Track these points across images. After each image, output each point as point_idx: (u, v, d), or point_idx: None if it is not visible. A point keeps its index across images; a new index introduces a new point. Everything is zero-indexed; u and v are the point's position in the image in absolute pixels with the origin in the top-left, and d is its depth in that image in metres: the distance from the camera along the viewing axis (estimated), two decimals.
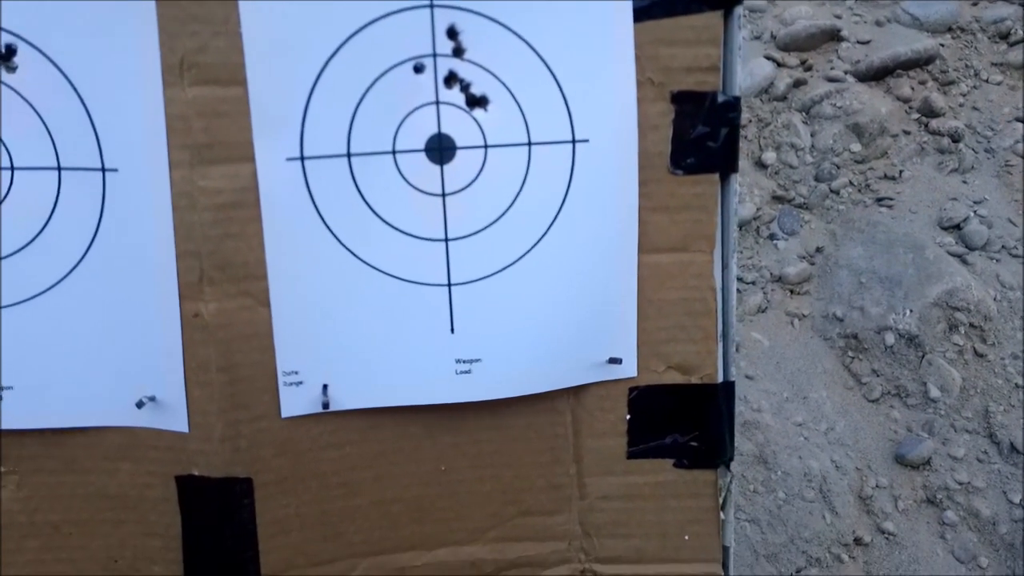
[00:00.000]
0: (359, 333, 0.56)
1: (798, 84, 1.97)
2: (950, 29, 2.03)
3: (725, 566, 0.63)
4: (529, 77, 0.54)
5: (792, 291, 1.78)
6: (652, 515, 0.62)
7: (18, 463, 0.58)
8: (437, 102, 0.54)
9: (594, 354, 0.58)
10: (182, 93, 0.52)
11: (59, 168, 0.53)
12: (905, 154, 1.90)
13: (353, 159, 0.54)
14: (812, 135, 1.92)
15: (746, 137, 1.92)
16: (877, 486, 1.52)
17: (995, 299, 1.67)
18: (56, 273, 0.55)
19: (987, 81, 1.98)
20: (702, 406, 0.60)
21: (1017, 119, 1.92)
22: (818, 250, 1.81)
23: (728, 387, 0.60)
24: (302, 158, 0.53)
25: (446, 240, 0.55)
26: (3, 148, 0.53)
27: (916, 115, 1.94)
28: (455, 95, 0.53)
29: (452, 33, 0.52)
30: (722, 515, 0.62)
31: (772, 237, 1.84)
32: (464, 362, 0.57)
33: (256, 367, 0.56)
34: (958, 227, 1.78)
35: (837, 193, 1.87)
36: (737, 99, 0.55)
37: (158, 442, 0.57)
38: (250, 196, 0.53)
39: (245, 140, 0.53)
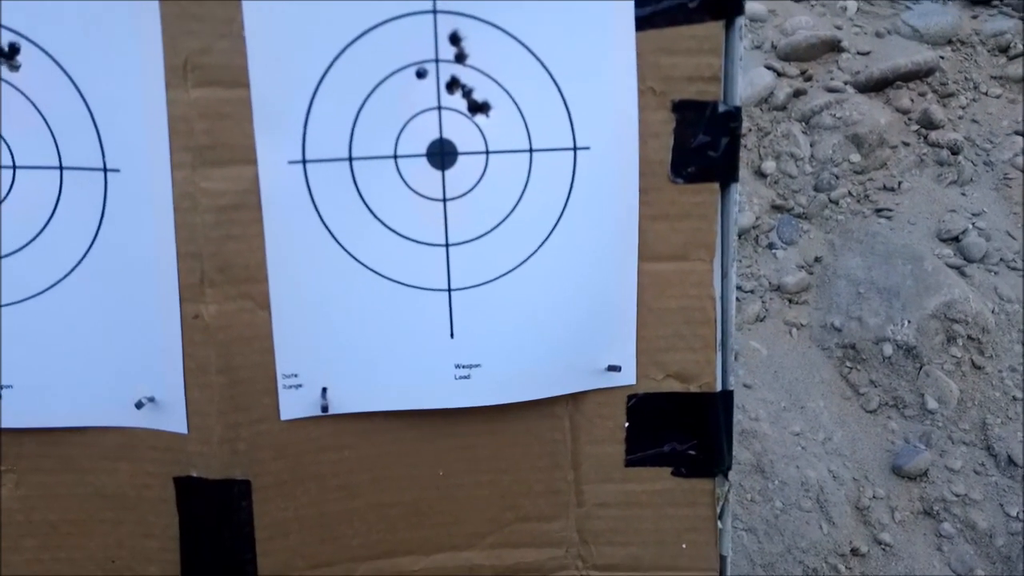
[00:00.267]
0: (359, 337, 0.56)
1: (798, 94, 1.97)
2: (950, 41, 2.04)
3: (722, 575, 0.63)
4: (531, 83, 0.54)
5: (791, 300, 1.78)
6: (649, 523, 0.62)
7: (16, 462, 0.58)
8: (439, 107, 0.54)
9: (593, 361, 0.59)
10: (185, 94, 0.52)
11: (61, 168, 0.53)
12: (904, 165, 1.91)
13: (355, 163, 0.54)
14: (812, 145, 1.92)
15: (746, 146, 1.93)
16: (874, 497, 1.52)
17: (993, 311, 1.68)
18: (57, 272, 0.55)
19: (986, 94, 1.99)
20: (700, 415, 0.60)
21: (1016, 132, 1.92)
22: (817, 260, 1.81)
23: (727, 396, 0.60)
24: (304, 161, 0.53)
25: (447, 245, 0.56)
26: (5, 147, 0.53)
27: (915, 127, 1.95)
28: (457, 101, 0.54)
29: (455, 39, 0.53)
30: (719, 524, 0.62)
31: (771, 246, 1.84)
32: (463, 367, 0.57)
33: (256, 369, 0.56)
34: (957, 239, 1.78)
35: (836, 203, 1.87)
36: (738, 109, 0.56)
37: (157, 443, 0.57)
38: (252, 198, 0.53)
39: (247, 142, 0.53)
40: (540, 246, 0.56)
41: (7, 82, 0.52)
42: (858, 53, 2.03)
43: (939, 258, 1.74)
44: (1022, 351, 1.64)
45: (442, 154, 0.54)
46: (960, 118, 1.96)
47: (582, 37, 0.54)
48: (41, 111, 0.52)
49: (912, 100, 1.96)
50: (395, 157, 0.54)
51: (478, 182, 0.55)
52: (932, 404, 1.60)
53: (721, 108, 0.55)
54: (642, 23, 0.54)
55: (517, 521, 0.61)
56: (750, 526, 1.47)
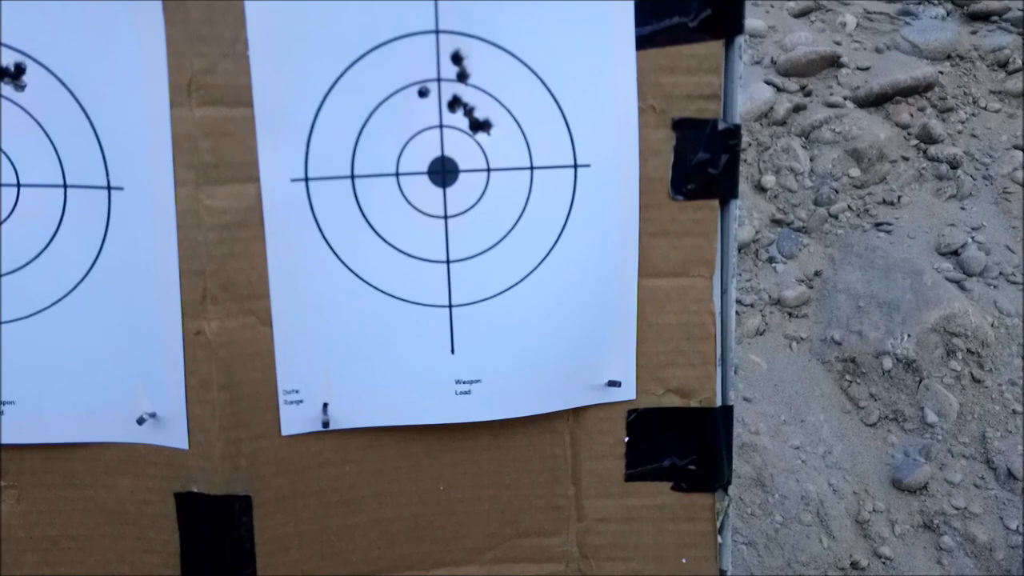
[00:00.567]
0: (360, 352, 0.57)
1: (798, 109, 1.98)
2: (949, 57, 2.05)
3: None
4: (532, 102, 0.54)
5: (790, 314, 1.78)
6: (650, 538, 0.62)
7: (18, 477, 0.58)
8: (441, 126, 0.54)
9: (593, 376, 0.59)
10: (189, 113, 0.52)
11: (65, 186, 0.54)
12: (904, 180, 1.91)
13: (357, 181, 0.54)
14: (811, 160, 1.93)
15: (745, 161, 1.93)
16: (874, 510, 1.52)
17: (992, 325, 1.68)
18: (60, 289, 0.55)
19: (985, 109, 1.99)
20: (700, 430, 0.60)
21: (1015, 146, 1.93)
22: (816, 274, 1.82)
23: (727, 411, 0.60)
24: (306, 179, 0.54)
25: (448, 262, 0.56)
26: (9, 165, 0.53)
27: (915, 141, 1.95)
28: (459, 119, 0.54)
29: (456, 58, 0.53)
30: (719, 538, 0.62)
31: (771, 260, 1.85)
32: (464, 383, 0.57)
33: (257, 385, 0.56)
34: (956, 253, 1.79)
35: (836, 217, 1.87)
36: (737, 127, 0.56)
37: (158, 458, 0.57)
38: (254, 216, 0.54)
39: (250, 160, 0.53)
40: (541, 262, 0.56)
41: (12, 101, 0.52)
42: (857, 68, 2.04)
43: (939, 272, 1.75)
44: (1022, 365, 1.64)
45: (443, 172, 0.55)
46: (959, 133, 1.96)
47: (583, 56, 0.54)
48: (45, 129, 0.53)
49: (911, 115, 1.97)
50: (397, 175, 0.54)
51: (479, 199, 0.55)
52: (932, 417, 1.60)
53: (721, 126, 0.56)
54: (642, 42, 0.54)
55: (517, 536, 0.61)
56: (750, 540, 1.47)
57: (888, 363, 1.65)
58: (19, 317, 0.55)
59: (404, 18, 0.52)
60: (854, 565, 1.45)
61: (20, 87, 0.52)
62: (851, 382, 1.67)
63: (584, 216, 0.56)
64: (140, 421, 0.56)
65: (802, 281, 1.81)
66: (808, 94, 2.01)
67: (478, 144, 0.54)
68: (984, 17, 2.12)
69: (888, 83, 1.97)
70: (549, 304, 0.57)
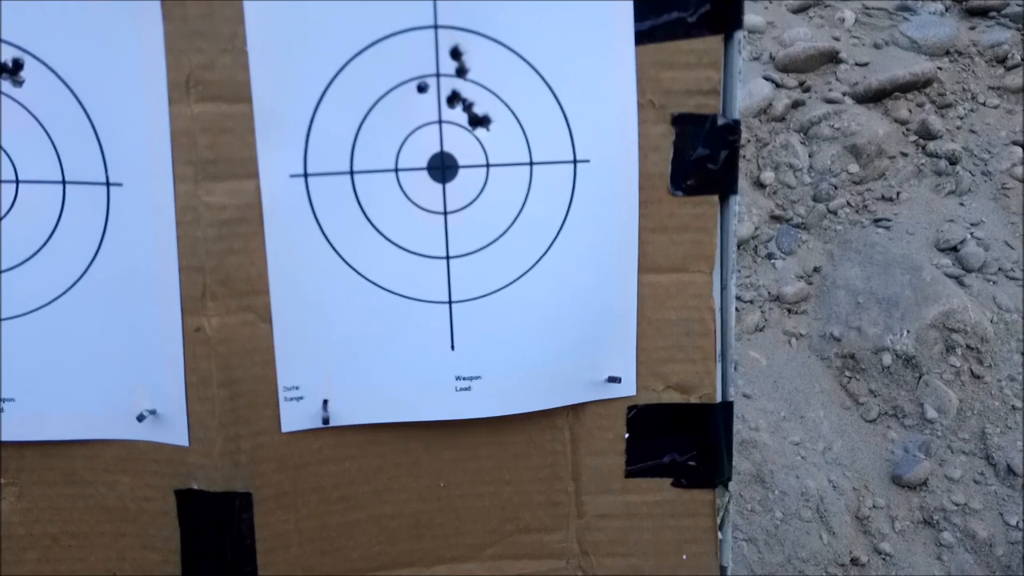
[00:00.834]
0: (360, 349, 0.57)
1: (796, 105, 1.98)
2: (948, 52, 2.05)
3: None
4: (531, 97, 0.54)
5: (790, 310, 1.78)
6: (650, 534, 0.62)
7: (18, 475, 0.58)
8: (440, 121, 0.54)
9: (593, 372, 0.59)
10: (187, 109, 0.52)
11: (64, 182, 0.53)
12: (902, 176, 1.91)
13: (356, 176, 0.54)
14: (810, 156, 1.93)
15: (744, 157, 1.93)
16: (874, 506, 1.52)
17: (992, 321, 1.68)
18: (59, 286, 0.55)
19: (984, 104, 1.99)
20: (700, 426, 0.60)
21: (1014, 142, 1.93)
22: (816, 270, 1.82)
23: (726, 407, 0.60)
24: (305, 175, 0.54)
25: (447, 258, 0.56)
26: (8, 161, 0.53)
27: (913, 137, 1.95)
28: (458, 114, 0.54)
29: (455, 54, 0.53)
30: (719, 534, 0.62)
31: (770, 256, 1.85)
32: (464, 379, 0.57)
33: (257, 382, 0.56)
34: (955, 249, 1.79)
35: (835, 213, 1.87)
36: (737, 122, 0.56)
37: (158, 455, 0.57)
38: (253, 212, 0.54)
39: (249, 156, 0.53)
40: (540, 258, 0.56)
41: (10, 97, 0.52)
42: (856, 64, 2.04)
43: (938, 268, 1.75)
44: (1021, 360, 1.64)
45: (443, 167, 0.55)
46: (958, 128, 1.96)
47: (582, 51, 0.54)
48: (44, 125, 0.53)
49: (910, 111, 1.97)
50: (396, 170, 0.54)
51: (479, 195, 0.55)
52: (931, 413, 1.60)
53: (720, 121, 0.56)
54: (642, 37, 0.54)
55: (517, 533, 0.61)
56: (750, 536, 1.47)
57: (887, 359, 1.65)
58: (19, 314, 0.55)
59: (403, 13, 0.52)
60: (854, 561, 1.45)
61: (18, 83, 0.52)
62: (850, 378, 1.67)
63: (584, 212, 0.56)
64: (140, 418, 0.56)
65: (801, 277, 1.81)
66: (807, 90, 2.01)
67: (477, 140, 0.54)
68: (983, 13, 2.12)
69: (887, 79, 1.97)
70: (549, 300, 0.57)
